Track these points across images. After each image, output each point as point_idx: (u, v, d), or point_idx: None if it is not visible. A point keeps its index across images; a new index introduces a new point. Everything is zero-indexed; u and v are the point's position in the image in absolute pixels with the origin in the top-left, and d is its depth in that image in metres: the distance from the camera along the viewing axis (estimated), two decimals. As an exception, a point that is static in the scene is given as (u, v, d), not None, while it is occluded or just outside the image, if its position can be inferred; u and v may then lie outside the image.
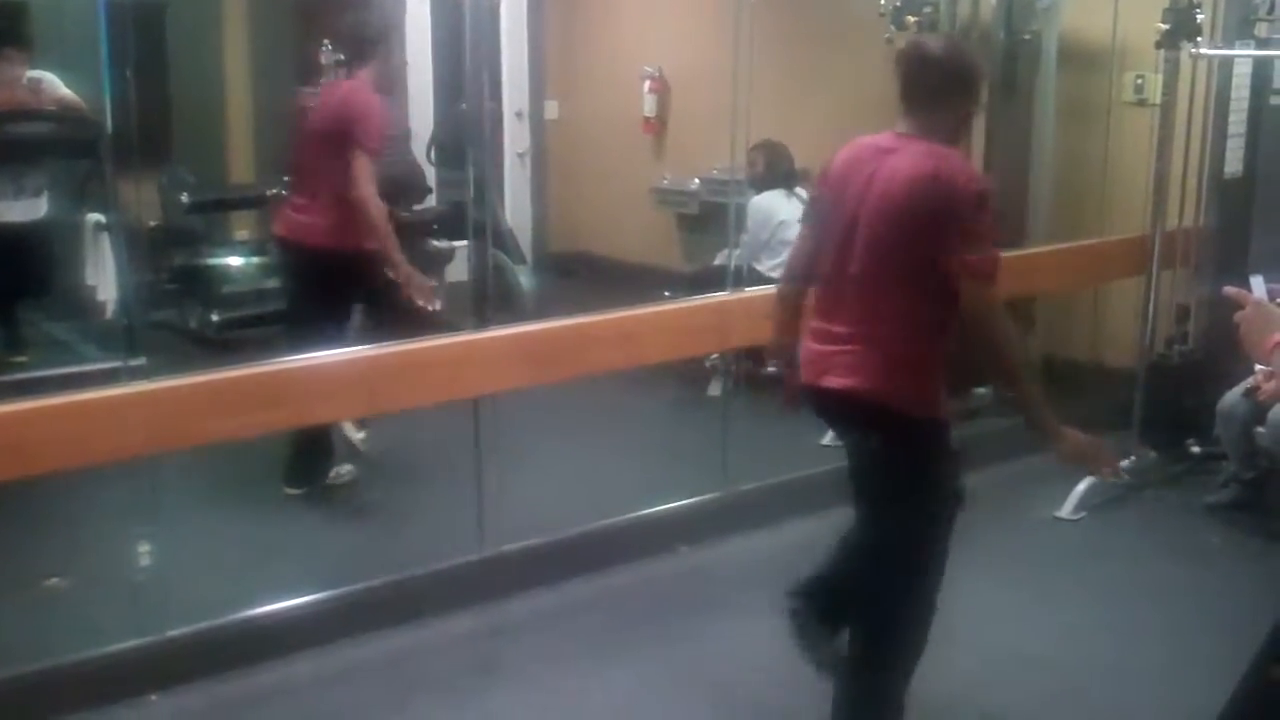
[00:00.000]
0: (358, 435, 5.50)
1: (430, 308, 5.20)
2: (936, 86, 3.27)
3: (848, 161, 3.35)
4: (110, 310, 6.06)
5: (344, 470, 5.45)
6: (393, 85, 5.22)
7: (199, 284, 7.21)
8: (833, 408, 3.42)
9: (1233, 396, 5.24)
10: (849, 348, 3.29)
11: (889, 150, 3.27)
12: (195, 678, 4.00)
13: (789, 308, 3.58)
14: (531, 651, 4.30)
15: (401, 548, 4.81)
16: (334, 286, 5.21)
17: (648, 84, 9.23)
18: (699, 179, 8.48)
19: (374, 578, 4.44)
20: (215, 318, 6.98)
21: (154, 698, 3.93)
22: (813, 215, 3.57)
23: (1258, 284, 2.39)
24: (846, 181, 3.31)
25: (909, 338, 3.27)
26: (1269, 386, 4.99)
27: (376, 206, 5.04)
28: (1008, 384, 3.34)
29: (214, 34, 8.15)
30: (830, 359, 3.32)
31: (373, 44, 5.19)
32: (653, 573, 4.82)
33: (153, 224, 7.08)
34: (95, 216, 6.33)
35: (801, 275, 3.53)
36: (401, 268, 5.16)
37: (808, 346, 3.42)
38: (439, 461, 5.20)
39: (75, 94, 6.05)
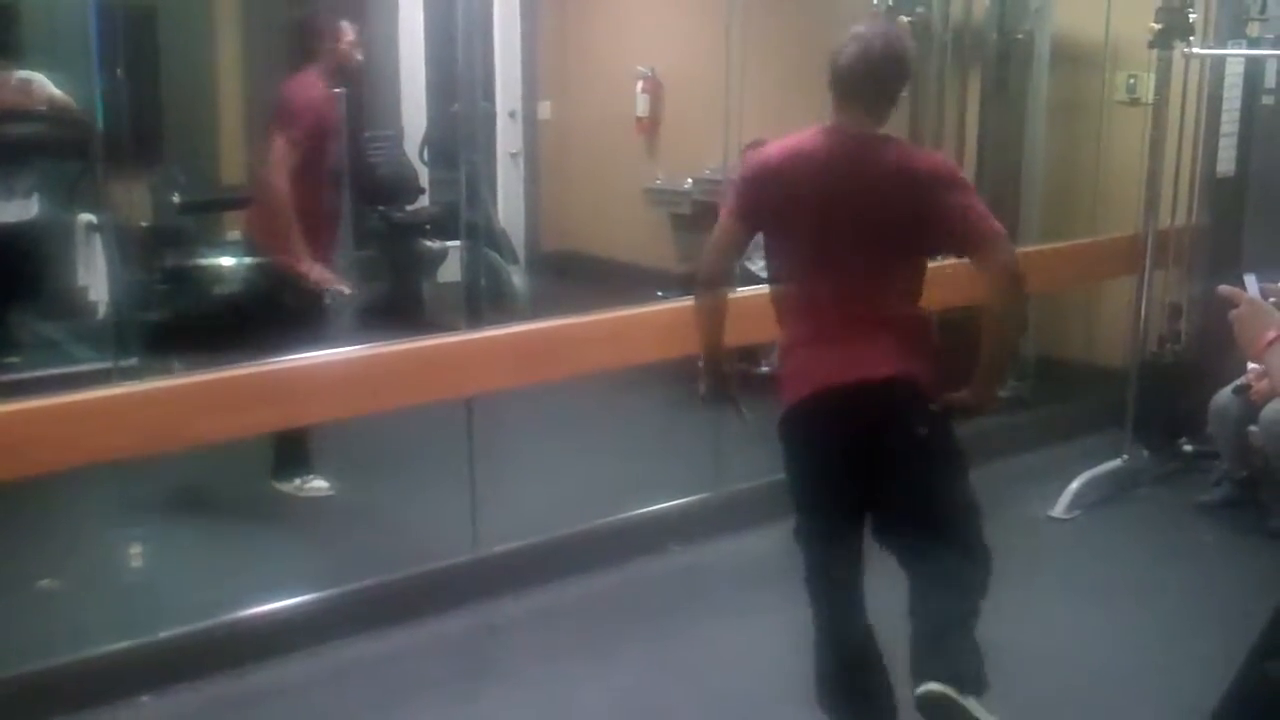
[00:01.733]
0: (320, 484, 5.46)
1: (341, 290, 5.25)
2: (897, 78, 3.29)
3: (810, 159, 3.25)
4: (102, 311, 6.04)
5: (319, 485, 5.42)
6: (343, 77, 5.24)
7: (190, 284, 7.19)
8: (862, 404, 3.25)
9: (1225, 395, 5.25)
10: (875, 338, 3.26)
11: (866, 144, 3.25)
12: (187, 679, 3.98)
13: (722, 311, 3.48)
14: (524, 651, 4.30)
15: (394, 548, 4.79)
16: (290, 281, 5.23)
17: (640, 84, 9.24)
18: (692, 179, 8.46)
19: (366, 578, 4.44)
20: (207, 317, 6.96)
21: (146, 699, 3.91)
22: (751, 213, 3.36)
23: (1251, 283, 2.38)
24: (819, 178, 3.23)
25: (923, 320, 3.36)
26: (1261, 385, 5.04)
27: (280, 192, 5.02)
28: (1014, 342, 3.40)
29: (205, 34, 8.14)
30: (855, 353, 3.25)
31: (317, 38, 5.20)
32: (644, 572, 4.81)
33: (144, 224, 7.06)
34: (87, 217, 6.32)
35: (725, 276, 3.49)
36: (303, 260, 5.11)
37: (811, 349, 3.30)
38: (432, 461, 5.18)
39: (66, 94, 6.05)
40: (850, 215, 3.23)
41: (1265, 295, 2.35)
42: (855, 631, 3.38)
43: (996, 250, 3.19)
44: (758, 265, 6.11)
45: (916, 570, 3.35)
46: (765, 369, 5.58)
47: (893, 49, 3.24)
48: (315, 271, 5.12)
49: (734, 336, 3.51)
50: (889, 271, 3.29)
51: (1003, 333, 3.41)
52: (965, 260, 3.27)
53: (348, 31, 5.15)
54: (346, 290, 5.29)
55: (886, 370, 3.23)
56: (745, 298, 4.70)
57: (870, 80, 3.23)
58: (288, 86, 5.18)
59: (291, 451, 5.35)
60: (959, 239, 3.23)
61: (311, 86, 5.15)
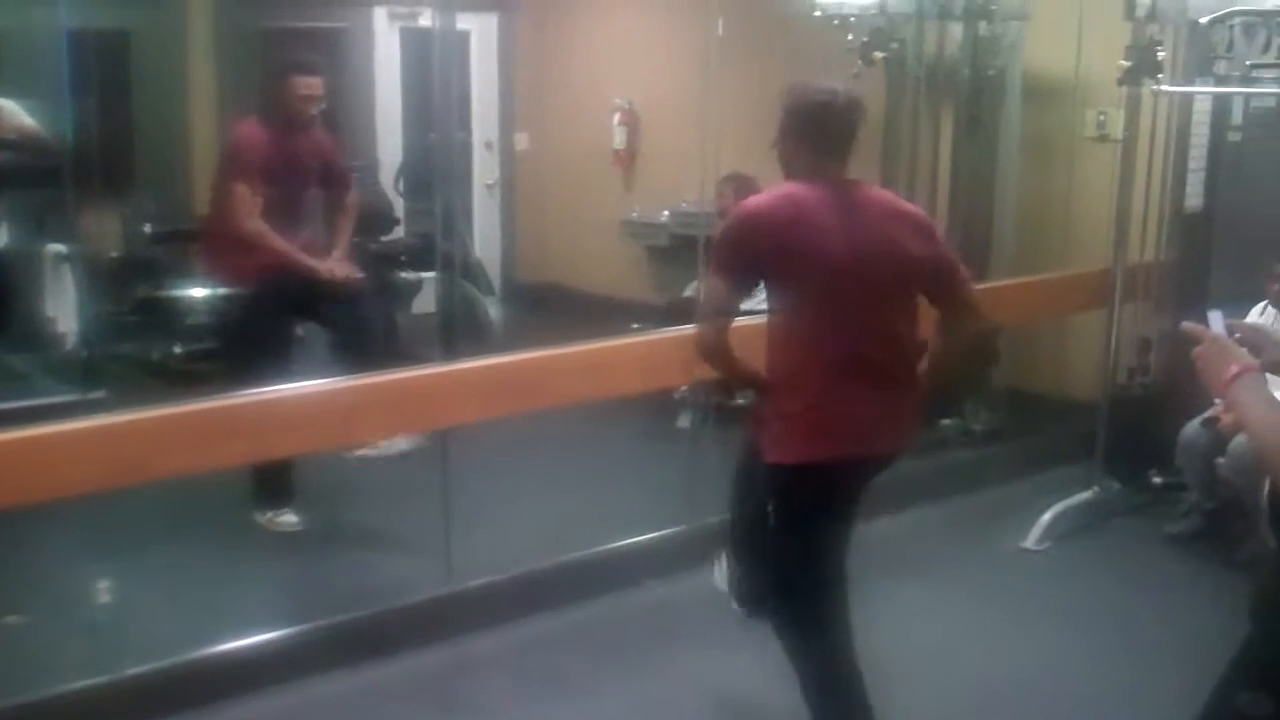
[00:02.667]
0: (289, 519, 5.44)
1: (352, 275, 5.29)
2: (860, 125, 3.42)
3: (814, 210, 3.30)
4: (70, 342, 6.00)
5: (290, 520, 5.39)
6: (296, 126, 5.22)
7: (162, 315, 7.16)
8: (877, 470, 3.48)
9: (1193, 428, 5.29)
10: (897, 403, 3.42)
11: (856, 191, 3.38)
12: (156, 716, 3.93)
13: (733, 360, 3.44)
14: (498, 686, 4.27)
15: (367, 582, 4.78)
16: (255, 313, 5.26)
17: (618, 116, 9.27)
18: (669, 211, 8.50)
19: (338, 613, 4.41)
20: (178, 350, 6.93)
21: (115, 735, 3.88)
22: (750, 268, 3.36)
23: (1215, 319, 2.39)
24: (830, 229, 3.28)
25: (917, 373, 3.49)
26: (1228, 419, 5.07)
27: (257, 232, 5.08)
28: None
29: (178, 63, 8.12)
30: (882, 423, 3.39)
31: (270, 86, 5.24)
32: (619, 606, 4.80)
33: (114, 254, 7.03)
34: (55, 247, 6.28)
35: (728, 342, 3.39)
36: (312, 265, 5.19)
37: (834, 402, 3.32)
38: (406, 494, 5.17)
39: (36, 122, 6.02)
40: (864, 263, 3.30)
41: (1230, 331, 2.37)
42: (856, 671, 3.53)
43: (973, 295, 3.48)
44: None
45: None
46: (741, 401, 5.58)
47: (856, 98, 3.39)
48: (326, 266, 5.19)
49: (710, 370, 3.54)
50: (900, 317, 3.42)
51: (989, 359, 3.69)
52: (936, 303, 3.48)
53: (299, 86, 5.12)
54: (357, 274, 5.34)
55: (903, 444, 3.49)
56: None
57: (850, 131, 3.37)
58: (232, 133, 5.29)
59: (272, 483, 5.33)
60: (946, 283, 3.43)
61: (252, 134, 5.20)
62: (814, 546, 3.44)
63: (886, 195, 3.52)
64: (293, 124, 5.18)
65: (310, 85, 5.14)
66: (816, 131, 3.35)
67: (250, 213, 5.08)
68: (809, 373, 3.32)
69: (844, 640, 3.51)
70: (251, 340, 5.21)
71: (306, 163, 5.28)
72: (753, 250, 3.31)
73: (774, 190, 3.39)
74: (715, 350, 3.36)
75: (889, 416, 3.40)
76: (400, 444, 5.26)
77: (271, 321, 5.28)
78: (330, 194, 5.50)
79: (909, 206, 3.56)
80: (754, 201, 3.40)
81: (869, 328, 3.35)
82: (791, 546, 3.47)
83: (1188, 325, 2.35)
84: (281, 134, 5.19)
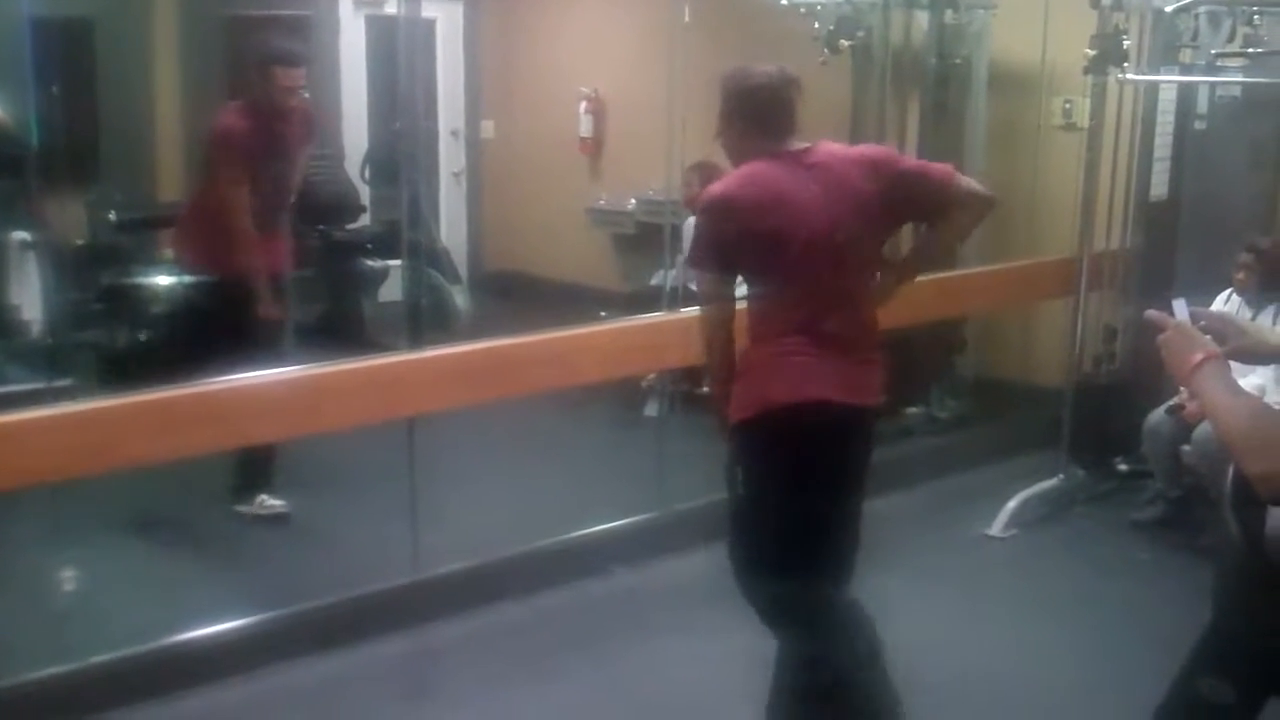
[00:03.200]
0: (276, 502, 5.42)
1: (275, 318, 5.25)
2: (797, 106, 3.43)
3: (778, 183, 3.31)
4: (35, 330, 5.96)
5: (274, 504, 5.37)
6: (277, 114, 5.22)
7: (127, 304, 7.10)
8: (851, 424, 3.39)
9: (1158, 415, 5.32)
10: (868, 358, 3.42)
11: (810, 154, 3.37)
12: (121, 705, 3.92)
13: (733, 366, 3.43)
14: (465, 674, 4.27)
15: (333, 570, 4.76)
16: (225, 304, 5.26)
17: (584, 104, 9.26)
18: (635, 199, 8.49)
19: (305, 601, 4.40)
20: (144, 337, 6.88)
21: (80, 725, 3.86)
22: (731, 254, 3.33)
23: (1180, 307, 2.40)
24: (783, 210, 3.28)
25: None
26: (1192, 406, 5.10)
27: (243, 231, 5.11)
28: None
29: (143, 51, 8.07)
30: (858, 374, 3.38)
31: (253, 75, 5.22)
32: (587, 594, 4.81)
33: (79, 242, 6.98)
34: (20, 234, 6.23)
35: (731, 341, 3.42)
36: (259, 283, 5.19)
37: (822, 358, 3.31)
38: (373, 482, 5.15)
39: (0, 110, 5.97)
40: (832, 226, 3.30)
41: (1195, 319, 2.38)
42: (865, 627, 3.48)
43: (959, 180, 3.52)
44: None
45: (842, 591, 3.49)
46: (706, 389, 5.59)
47: (792, 76, 3.41)
48: (264, 301, 5.16)
49: (678, 357, 3.55)
50: (866, 274, 3.46)
51: (953, 242, 3.90)
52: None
53: (281, 76, 5.10)
54: (279, 317, 5.29)
55: (876, 397, 3.45)
56: (690, 318, 4.73)
57: (792, 108, 3.38)
58: (220, 122, 5.26)
59: (256, 470, 5.32)
60: (922, 193, 3.44)
61: (233, 120, 5.19)
62: (793, 519, 3.33)
63: (838, 148, 3.49)
64: (276, 111, 5.18)
65: (291, 76, 5.13)
66: (761, 114, 3.35)
67: (243, 209, 5.10)
68: (779, 333, 3.32)
69: (850, 643, 3.42)
70: (221, 330, 5.16)
71: (293, 146, 5.31)
72: (726, 235, 3.29)
73: (735, 173, 3.37)
74: (712, 341, 3.38)
75: (855, 374, 3.37)
76: (277, 505, 5.33)
77: (241, 315, 5.21)
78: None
79: (859, 150, 3.59)
80: (718, 188, 3.36)
81: (837, 298, 3.35)
82: (767, 522, 3.36)
83: (1152, 313, 2.36)
84: (267, 121, 5.18)
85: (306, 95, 5.26)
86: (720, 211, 3.31)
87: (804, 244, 3.26)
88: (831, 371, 3.31)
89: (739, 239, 3.29)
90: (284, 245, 5.46)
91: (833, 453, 3.35)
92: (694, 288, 5.75)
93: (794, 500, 3.32)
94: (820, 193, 3.29)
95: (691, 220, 6.20)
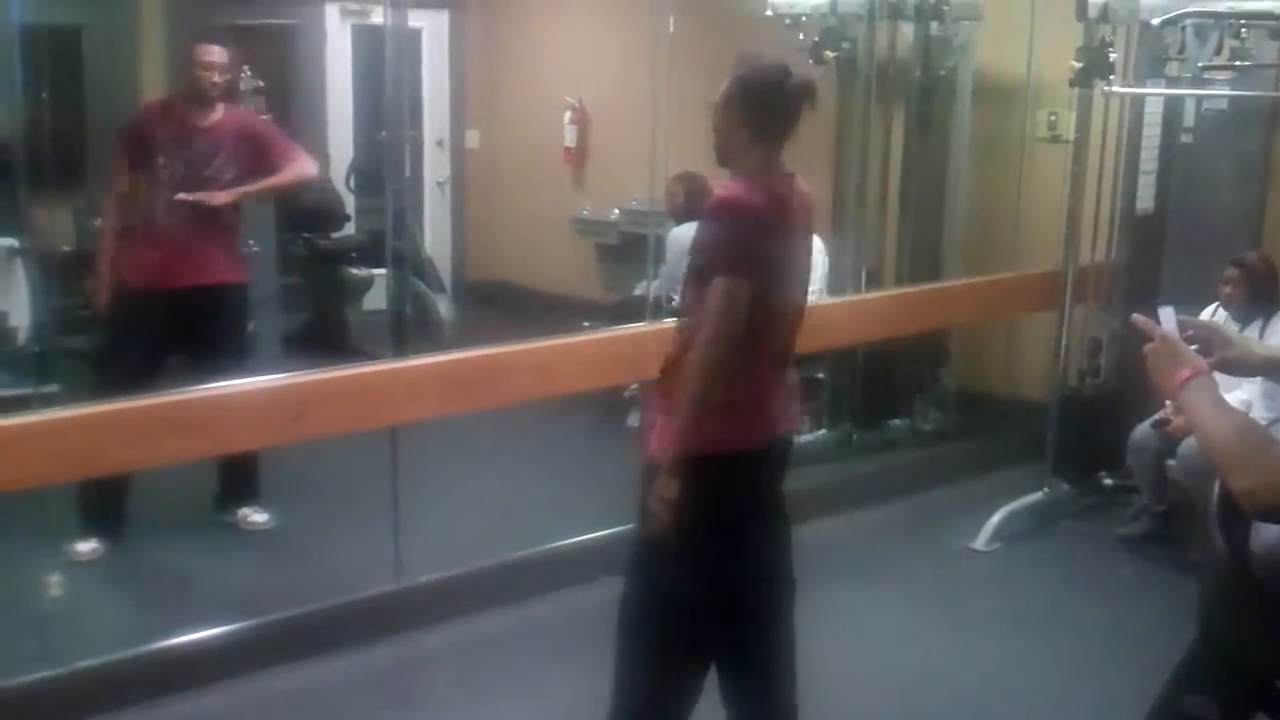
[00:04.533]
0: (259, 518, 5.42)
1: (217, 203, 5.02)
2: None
3: (787, 207, 3.09)
4: (22, 337, 5.94)
5: (257, 519, 5.35)
6: (203, 102, 5.09)
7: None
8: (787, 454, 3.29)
9: (1144, 430, 5.33)
10: (789, 386, 3.26)
11: (797, 191, 3.15)
12: (105, 710, 3.91)
13: None
14: (447, 684, 4.26)
15: (315, 578, 4.75)
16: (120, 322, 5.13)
17: (568, 114, 9.27)
18: (619, 209, 8.49)
19: (288, 609, 4.39)
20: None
21: (62, 731, 3.84)
22: (759, 271, 2.99)
23: (1167, 315, 2.38)
24: (797, 227, 3.15)
25: None
26: (1178, 421, 5.10)
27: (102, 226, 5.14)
28: None
29: (131, 57, 8.04)
30: (788, 403, 3.25)
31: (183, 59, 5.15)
32: (571, 603, 4.79)
33: (66, 249, 6.96)
34: (7, 241, 6.22)
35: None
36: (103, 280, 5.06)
37: (778, 395, 3.17)
38: (356, 491, 5.14)
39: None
40: (802, 257, 3.24)
41: (1182, 329, 2.38)
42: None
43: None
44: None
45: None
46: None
47: (808, 80, 3.13)
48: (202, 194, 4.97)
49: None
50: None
51: None
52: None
53: (204, 53, 4.98)
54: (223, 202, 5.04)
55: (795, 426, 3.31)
56: (672, 328, 4.73)
57: (799, 117, 3.11)
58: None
59: (240, 481, 5.30)
60: None
61: (141, 111, 5.16)
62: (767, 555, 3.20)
63: (805, 187, 3.19)
64: (196, 99, 5.02)
65: (211, 52, 4.98)
66: (781, 122, 3.08)
67: (116, 204, 5.04)
68: (753, 365, 3.07)
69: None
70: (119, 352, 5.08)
71: (211, 142, 5.03)
72: (760, 253, 2.99)
73: (752, 187, 3.04)
74: (726, 364, 2.96)
75: (790, 401, 3.28)
76: (259, 521, 5.30)
77: (137, 334, 5.03)
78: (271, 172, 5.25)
79: (812, 196, 3.25)
80: (747, 198, 3.01)
81: (793, 324, 3.22)
82: (708, 568, 3.07)
83: (1139, 319, 2.35)
84: (183, 111, 5.04)
85: (264, 115, 5.11)
86: (752, 221, 3.00)
87: (788, 273, 3.12)
88: (775, 405, 3.18)
89: (767, 255, 3.01)
90: (198, 256, 5.06)
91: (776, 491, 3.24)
92: (676, 299, 5.78)
93: (756, 545, 3.17)
94: (800, 227, 3.16)
95: (674, 230, 6.22)
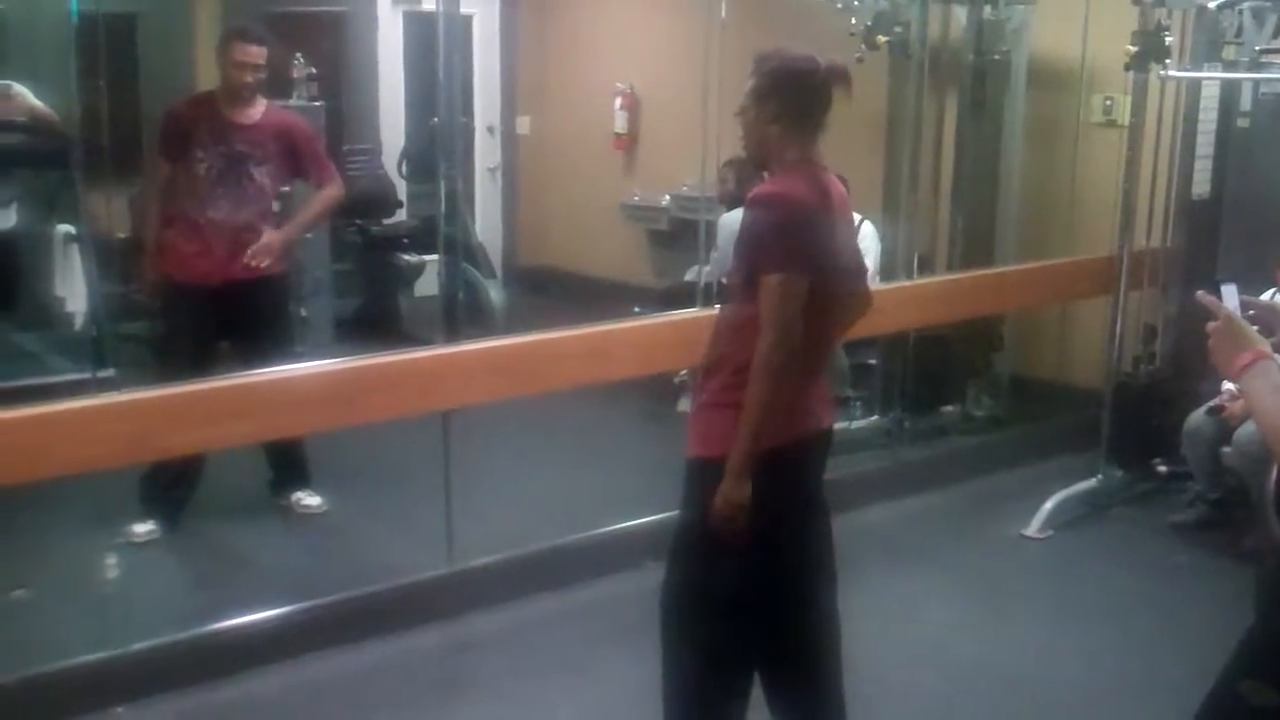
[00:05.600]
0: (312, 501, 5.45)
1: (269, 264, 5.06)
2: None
3: (829, 197, 3.08)
4: (79, 322, 6.01)
5: (310, 503, 5.40)
6: (223, 90, 5.12)
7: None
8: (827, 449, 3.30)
9: (1199, 416, 5.28)
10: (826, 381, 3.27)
11: (834, 186, 3.12)
12: (160, 691, 3.96)
13: None
14: (498, 667, 4.28)
15: (369, 562, 4.79)
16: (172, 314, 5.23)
17: (619, 100, 9.26)
18: (669, 195, 8.50)
19: (340, 592, 4.43)
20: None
21: (120, 710, 3.89)
22: (811, 265, 2.96)
23: (1229, 293, 2.33)
24: (841, 221, 3.15)
25: None
26: (1235, 407, 5.06)
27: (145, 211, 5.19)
28: None
29: (186, 45, 8.11)
30: (830, 396, 3.27)
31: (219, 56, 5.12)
32: (620, 588, 4.80)
33: (122, 235, 7.04)
34: (65, 228, 6.28)
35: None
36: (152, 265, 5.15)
37: (821, 387, 3.18)
38: (408, 475, 5.18)
39: (46, 105, 6.02)
40: (852, 247, 3.25)
41: (1244, 307, 2.34)
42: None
43: None
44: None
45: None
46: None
47: (840, 67, 3.11)
48: (250, 252, 5.01)
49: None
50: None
51: None
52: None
53: (236, 52, 4.96)
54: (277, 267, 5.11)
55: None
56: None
57: (830, 108, 3.09)
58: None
59: (288, 466, 5.35)
60: None
61: (177, 104, 5.17)
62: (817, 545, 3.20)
63: (840, 183, 3.18)
64: (232, 96, 5.03)
65: (247, 53, 4.96)
66: (816, 114, 3.04)
67: (156, 196, 5.09)
68: (806, 359, 3.02)
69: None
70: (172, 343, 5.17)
71: (248, 140, 5.04)
72: (811, 247, 2.96)
73: (795, 179, 3.01)
74: (791, 369, 2.92)
75: (829, 396, 3.29)
76: (313, 505, 5.35)
77: (183, 323, 5.10)
78: (310, 183, 5.31)
79: (844, 189, 3.22)
80: (793, 190, 2.98)
81: (852, 314, 3.27)
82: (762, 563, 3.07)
83: (1203, 295, 2.31)
84: (220, 107, 5.05)
85: (261, 77, 5.05)
86: (800, 213, 2.96)
87: (835, 273, 3.08)
88: (816, 396, 3.16)
89: (815, 248, 2.98)
90: (237, 251, 5.03)
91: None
92: (725, 282, 5.77)
93: (800, 528, 3.16)
94: (841, 224, 3.14)
95: (725, 215, 6.21)
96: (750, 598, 3.08)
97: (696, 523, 3.06)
